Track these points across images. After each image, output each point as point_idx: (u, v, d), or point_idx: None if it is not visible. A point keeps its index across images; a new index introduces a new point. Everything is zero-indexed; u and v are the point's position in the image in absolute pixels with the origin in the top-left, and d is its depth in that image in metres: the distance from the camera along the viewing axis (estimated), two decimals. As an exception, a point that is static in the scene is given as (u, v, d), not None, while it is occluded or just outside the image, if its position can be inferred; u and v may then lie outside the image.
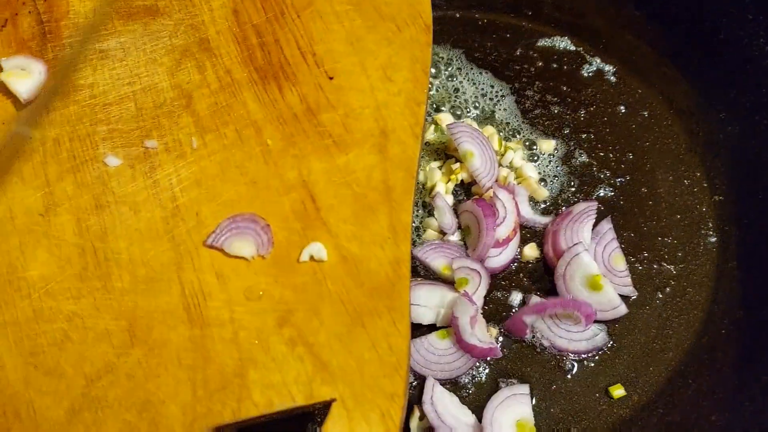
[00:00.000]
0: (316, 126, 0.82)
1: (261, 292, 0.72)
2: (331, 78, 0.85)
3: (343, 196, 0.77)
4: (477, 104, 1.10)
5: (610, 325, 0.91)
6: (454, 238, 0.98)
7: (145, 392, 0.67)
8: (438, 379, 0.87)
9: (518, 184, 1.01)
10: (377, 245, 0.74)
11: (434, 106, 1.09)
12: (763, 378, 0.80)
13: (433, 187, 1.01)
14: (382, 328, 0.69)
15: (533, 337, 0.90)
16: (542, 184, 1.02)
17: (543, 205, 1.01)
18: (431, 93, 1.09)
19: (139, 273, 0.73)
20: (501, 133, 1.07)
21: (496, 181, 1.00)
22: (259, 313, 0.71)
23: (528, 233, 0.98)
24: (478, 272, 0.91)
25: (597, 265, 0.90)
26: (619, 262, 0.93)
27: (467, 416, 0.84)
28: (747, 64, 1.01)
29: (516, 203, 0.97)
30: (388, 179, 0.78)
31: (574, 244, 0.90)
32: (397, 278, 0.72)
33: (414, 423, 0.84)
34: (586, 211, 0.95)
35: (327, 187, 0.78)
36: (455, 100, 1.10)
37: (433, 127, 1.06)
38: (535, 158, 1.04)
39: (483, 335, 0.87)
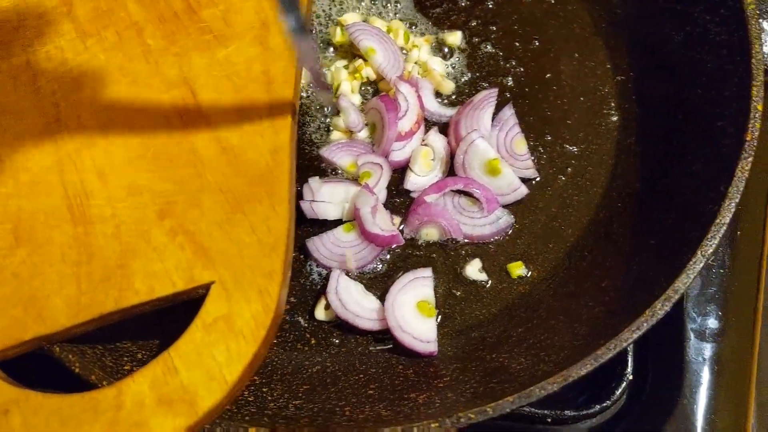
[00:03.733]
0: (197, 23, 0.81)
1: (142, 188, 0.72)
2: (211, -26, 0.83)
3: (224, 89, 0.77)
4: (383, 4, 1.08)
5: (512, 207, 0.92)
6: (363, 135, 0.98)
7: (31, 288, 0.68)
8: (345, 269, 0.89)
9: (423, 77, 1.01)
10: (257, 134, 0.75)
11: (340, 6, 1.07)
12: (652, 242, 0.82)
13: (338, 87, 1.00)
14: (262, 213, 0.71)
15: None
16: (450, 77, 1.02)
17: (451, 98, 1.01)
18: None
19: (22, 178, 0.74)
20: (410, 30, 1.06)
21: (401, 76, 0.99)
22: (139, 207, 0.72)
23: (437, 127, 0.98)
24: (380, 165, 0.92)
25: (494, 150, 0.91)
26: (521, 146, 0.94)
27: (372, 303, 0.86)
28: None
29: (419, 97, 0.97)
30: (268, 70, 0.78)
31: (469, 132, 0.91)
32: (276, 164, 0.73)
33: (320, 311, 0.87)
34: (486, 98, 0.96)
35: (207, 81, 0.78)
36: (358, 2, 1.08)
37: (339, 29, 1.04)
38: (443, 53, 1.04)
39: (385, 224, 0.89)
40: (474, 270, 0.89)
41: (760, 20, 0.84)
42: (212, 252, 0.69)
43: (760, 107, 0.74)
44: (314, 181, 0.91)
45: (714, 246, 0.68)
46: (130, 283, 0.68)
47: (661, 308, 0.66)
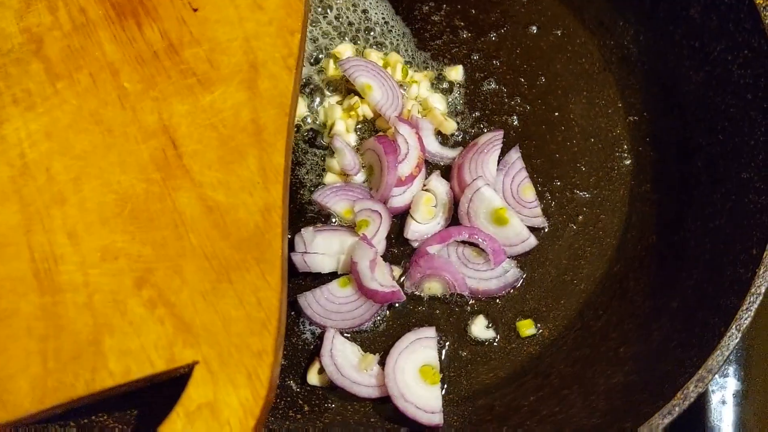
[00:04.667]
0: (178, 64, 0.74)
1: (117, 251, 0.65)
2: (195, 9, 0.76)
3: (208, 140, 0.70)
4: (381, 33, 1.02)
5: (520, 259, 0.86)
6: (359, 179, 0.91)
7: (-9, 369, 0.61)
8: (341, 329, 0.82)
9: (423, 116, 0.94)
10: (246, 192, 0.68)
11: (331, 37, 1.01)
12: (673, 304, 0.76)
13: (332, 126, 0.93)
14: (251, 282, 0.64)
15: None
16: (451, 115, 0.95)
17: (453, 138, 0.94)
18: (327, 24, 1.00)
19: (-16, 239, 0.66)
20: (409, 64, 0.99)
21: (400, 114, 0.93)
22: (115, 274, 0.64)
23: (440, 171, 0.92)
24: (379, 213, 0.86)
25: (501, 198, 0.85)
26: (528, 193, 0.88)
27: (371, 366, 0.79)
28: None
29: (420, 137, 0.90)
30: (258, 118, 0.71)
31: (474, 179, 0.85)
32: (268, 227, 0.66)
33: (313, 376, 0.80)
34: (491, 141, 0.89)
35: (190, 131, 0.71)
36: (356, 32, 1.02)
37: (332, 62, 0.98)
38: (443, 89, 0.97)
39: (384, 279, 0.82)
40: (480, 328, 0.82)
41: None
42: (195, 327, 0.62)
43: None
44: (307, 232, 0.84)
45: (750, 318, 0.62)
46: (104, 362, 0.61)
47: (694, 390, 0.60)
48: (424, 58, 1.00)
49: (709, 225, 0.78)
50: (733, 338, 0.62)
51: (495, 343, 0.82)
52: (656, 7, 0.92)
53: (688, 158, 0.84)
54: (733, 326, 0.62)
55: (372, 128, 0.95)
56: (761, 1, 0.76)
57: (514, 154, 0.90)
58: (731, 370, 0.84)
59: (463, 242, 0.85)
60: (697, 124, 0.84)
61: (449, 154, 0.92)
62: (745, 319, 0.62)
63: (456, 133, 0.94)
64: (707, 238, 0.77)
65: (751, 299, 0.62)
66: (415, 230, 0.87)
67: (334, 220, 0.89)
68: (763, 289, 0.63)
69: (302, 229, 0.84)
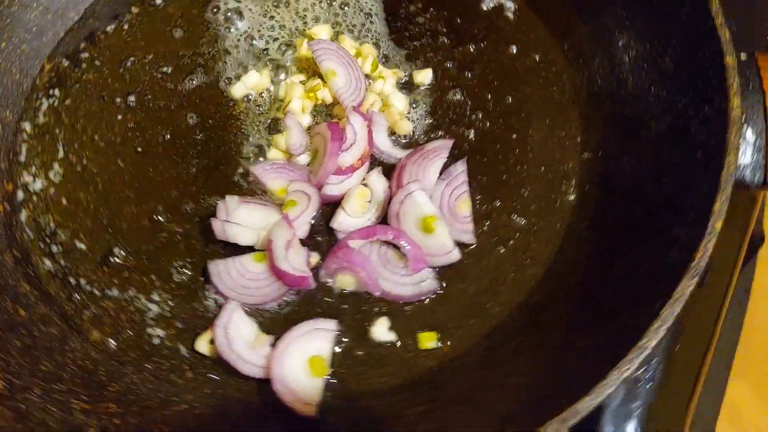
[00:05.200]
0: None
1: None
2: None
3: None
4: (362, 24, 1.01)
5: (441, 271, 0.84)
6: (303, 160, 0.90)
7: None
8: (244, 304, 0.80)
9: (381, 112, 0.93)
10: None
11: (315, 17, 1.00)
12: (581, 343, 0.73)
13: (288, 103, 0.92)
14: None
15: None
16: (410, 118, 0.94)
17: (407, 140, 0.93)
18: (311, 4, 1.00)
19: None
20: (381, 59, 0.98)
21: (359, 106, 0.92)
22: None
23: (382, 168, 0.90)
24: (309, 196, 0.84)
25: (433, 206, 0.83)
26: (464, 207, 0.86)
27: (262, 347, 0.77)
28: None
29: (370, 132, 0.89)
30: None
31: (409, 182, 0.83)
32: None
33: (202, 344, 0.79)
34: (438, 148, 0.88)
35: None
36: (335, 17, 1.01)
37: (306, 42, 0.97)
38: (409, 90, 0.96)
39: (297, 262, 0.80)
40: (382, 330, 0.80)
41: (745, 125, 0.76)
42: None
43: (718, 226, 0.65)
44: (232, 200, 0.83)
45: (630, 371, 0.59)
46: None
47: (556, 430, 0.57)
48: (398, 56, 0.99)
49: (632, 273, 0.75)
50: (609, 386, 0.59)
51: (394, 349, 0.80)
52: (632, 50, 0.90)
53: (631, 204, 0.82)
54: (615, 372, 0.60)
55: (329, 114, 0.94)
56: (731, 62, 0.74)
57: (460, 167, 0.88)
58: (631, 425, 0.81)
59: (387, 243, 0.83)
60: (646, 172, 0.82)
61: (398, 154, 0.91)
62: (625, 370, 0.60)
63: (411, 136, 0.93)
64: (627, 287, 0.75)
65: (637, 351, 0.60)
66: (342, 221, 0.85)
67: (266, 196, 0.87)
68: (652, 344, 0.61)
69: (227, 197, 0.83)
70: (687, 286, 0.63)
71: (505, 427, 0.65)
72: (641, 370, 0.83)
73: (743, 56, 0.80)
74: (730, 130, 0.70)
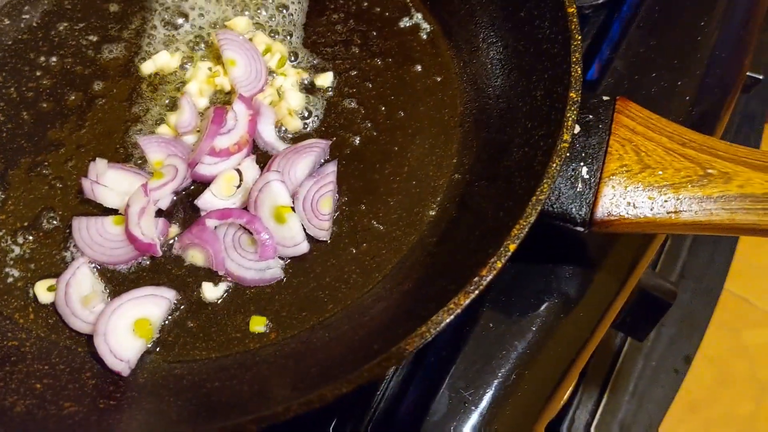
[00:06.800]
0: None
1: None
2: None
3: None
4: (281, 23, 1.06)
5: (290, 262, 0.87)
6: (189, 140, 0.95)
7: None
8: (96, 261, 0.85)
9: (272, 106, 0.97)
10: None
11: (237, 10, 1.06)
12: (377, 347, 0.76)
13: (187, 83, 0.98)
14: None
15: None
16: (302, 116, 0.98)
17: (295, 137, 0.97)
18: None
19: None
20: (292, 57, 1.03)
21: (250, 96, 0.96)
22: None
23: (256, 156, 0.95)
24: (176, 169, 0.89)
25: (288, 198, 0.87)
26: (326, 206, 0.89)
27: (98, 304, 0.82)
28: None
29: (253, 121, 0.94)
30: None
31: (270, 171, 0.87)
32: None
33: (41, 289, 0.84)
34: (311, 145, 0.92)
35: None
36: (261, 13, 1.06)
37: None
38: (310, 92, 1.00)
39: (148, 230, 0.85)
40: (210, 289, 0.84)
41: (582, 163, 0.79)
42: None
43: (511, 248, 0.68)
44: (101, 163, 0.88)
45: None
46: None
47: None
48: (309, 59, 1.03)
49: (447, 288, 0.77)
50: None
51: (224, 328, 0.83)
52: (519, 80, 0.93)
53: (473, 227, 0.84)
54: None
55: (228, 102, 0.99)
56: (573, 96, 0.77)
57: (331, 167, 0.92)
58: None
59: (244, 228, 0.87)
60: (492, 199, 0.85)
61: (280, 147, 0.95)
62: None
63: (298, 134, 0.97)
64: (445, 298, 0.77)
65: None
66: (206, 200, 0.89)
67: (145, 166, 0.92)
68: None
69: (97, 159, 0.88)
70: (467, 297, 0.65)
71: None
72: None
73: (605, 98, 0.82)
74: (553, 159, 0.72)
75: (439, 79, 1.02)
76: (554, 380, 0.89)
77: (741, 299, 2.10)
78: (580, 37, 0.81)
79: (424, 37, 1.06)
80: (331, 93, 1.00)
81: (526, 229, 0.70)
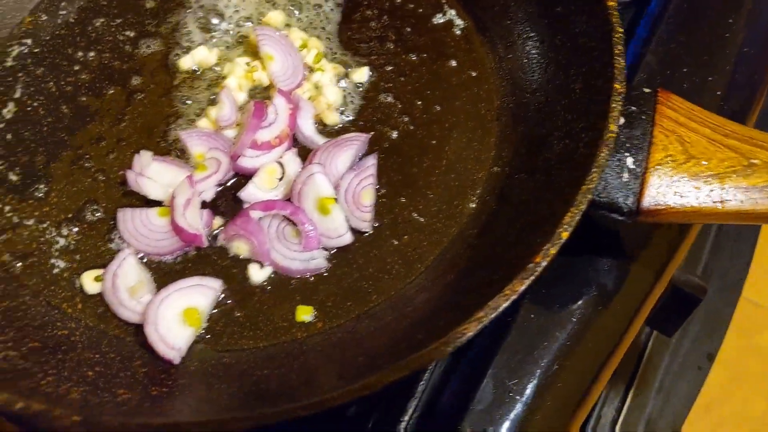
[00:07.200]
0: None
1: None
2: None
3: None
4: (316, 19, 1.07)
5: (332, 253, 0.88)
6: (230, 134, 0.96)
7: None
8: (142, 252, 0.86)
9: (310, 101, 0.99)
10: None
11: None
12: (421, 337, 0.76)
13: (225, 78, 0.99)
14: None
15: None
16: (340, 111, 0.99)
17: (333, 131, 0.98)
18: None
19: None
20: (327, 53, 1.04)
21: (290, 91, 0.98)
22: None
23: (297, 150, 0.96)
24: (219, 162, 0.90)
25: (331, 189, 0.88)
26: (367, 197, 0.90)
27: (145, 294, 0.83)
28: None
29: (294, 115, 0.95)
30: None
31: (312, 164, 0.88)
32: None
33: (88, 280, 0.84)
34: (351, 139, 0.93)
35: None
36: (296, 10, 1.07)
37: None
38: (347, 86, 1.01)
39: (194, 221, 0.86)
40: (256, 271, 0.84)
41: (626, 153, 0.79)
42: None
43: (564, 235, 0.69)
44: (145, 155, 0.89)
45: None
46: None
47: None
48: (344, 54, 1.04)
49: (494, 276, 0.78)
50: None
51: (271, 317, 0.84)
52: (557, 74, 0.94)
53: (514, 220, 0.85)
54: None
55: (267, 97, 1.00)
56: (618, 87, 0.78)
57: (371, 160, 0.93)
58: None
59: (288, 220, 0.88)
60: (532, 191, 0.86)
61: (319, 141, 0.96)
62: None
63: (336, 128, 0.98)
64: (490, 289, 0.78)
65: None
66: (250, 193, 0.90)
67: (187, 159, 0.93)
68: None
69: (142, 151, 0.89)
70: (522, 283, 0.66)
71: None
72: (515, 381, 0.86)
73: (646, 90, 0.84)
74: (601, 149, 0.73)
75: (474, 74, 1.03)
76: (592, 372, 0.90)
77: (752, 303, 2.11)
78: (622, 30, 0.82)
79: (458, 33, 1.07)
80: (367, 88, 1.01)
81: (578, 217, 0.71)
